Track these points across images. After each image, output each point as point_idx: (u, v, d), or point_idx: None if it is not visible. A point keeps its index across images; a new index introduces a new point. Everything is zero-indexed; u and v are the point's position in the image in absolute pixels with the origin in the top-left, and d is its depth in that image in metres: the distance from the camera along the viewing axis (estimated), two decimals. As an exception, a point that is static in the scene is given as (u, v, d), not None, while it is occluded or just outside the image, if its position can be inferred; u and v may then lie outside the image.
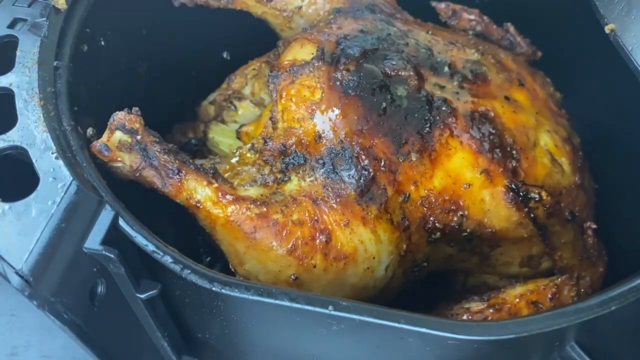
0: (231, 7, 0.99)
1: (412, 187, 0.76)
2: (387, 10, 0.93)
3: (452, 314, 0.82)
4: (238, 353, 0.74)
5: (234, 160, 0.81)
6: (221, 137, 0.96)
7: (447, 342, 0.57)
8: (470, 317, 0.80)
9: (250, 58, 1.02)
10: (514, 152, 0.79)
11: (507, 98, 0.85)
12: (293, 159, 0.75)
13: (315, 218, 0.72)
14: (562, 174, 0.83)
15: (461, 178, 0.77)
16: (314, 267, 0.71)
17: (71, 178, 0.63)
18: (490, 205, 0.78)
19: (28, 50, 0.72)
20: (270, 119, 0.79)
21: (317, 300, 0.58)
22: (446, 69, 0.84)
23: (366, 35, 0.84)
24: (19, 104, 0.67)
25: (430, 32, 0.90)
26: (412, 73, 0.79)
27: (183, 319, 0.71)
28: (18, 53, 0.72)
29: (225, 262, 0.75)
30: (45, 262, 0.58)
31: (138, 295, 0.64)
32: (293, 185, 0.75)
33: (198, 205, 0.70)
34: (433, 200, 0.76)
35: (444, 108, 0.78)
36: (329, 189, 0.73)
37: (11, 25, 0.74)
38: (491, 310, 0.80)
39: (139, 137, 0.70)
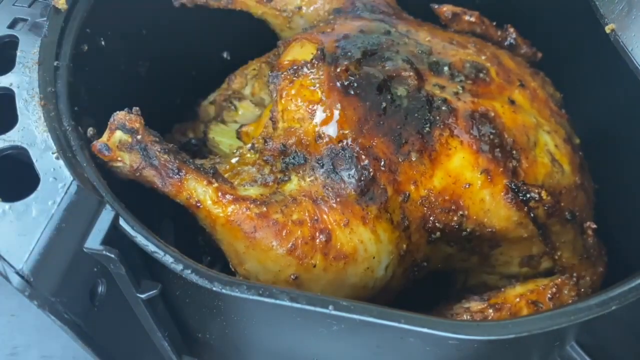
0: (231, 7, 0.99)
1: (412, 187, 0.76)
2: (387, 10, 0.93)
3: (452, 313, 0.82)
4: (238, 353, 0.74)
5: (234, 160, 0.81)
6: (221, 137, 0.96)
7: (448, 342, 0.57)
8: (470, 317, 0.80)
9: (250, 58, 1.02)
10: (514, 152, 0.80)
11: (507, 98, 0.85)
12: (293, 158, 0.75)
13: (315, 218, 0.72)
14: (562, 174, 0.83)
15: (461, 178, 0.77)
16: (314, 266, 0.71)
17: (71, 178, 0.63)
18: (490, 205, 0.78)
19: (28, 50, 0.72)
20: (271, 119, 0.79)
21: (318, 300, 0.58)
22: (446, 69, 0.84)
23: (366, 35, 0.84)
24: (19, 104, 0.67)
25: (430, 33, 0.90)
26: (412, 73, 0.79)
27: (183, 319, 0.71)
28: (18, 53, 0.72)
29: (225, 262, 0.75)
30: (45, 262, 0.58)
31: (138, 295, 0.64)
32: (293, 185, 0.75)
33: (198, 204, 0.70)
34: (433, 199, 0.76)
35: (444, 108, 0.78)
36: (329, 188, 0.73)
37: (11, 25, 0.74)
38: (491, 310, 0.80)
39: (139, 137, 0.70)
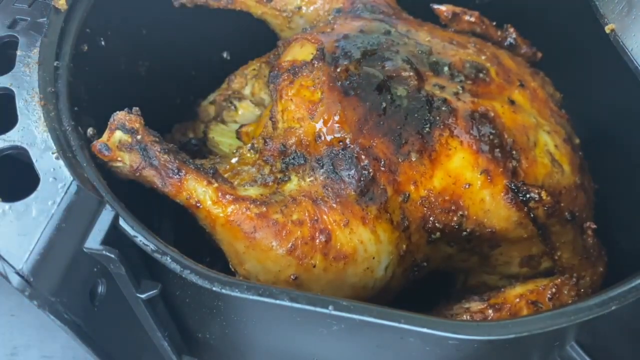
0: (231, 8, 0.99)
1: (412, 187, 0.76)
2: (387, 10, 0.93)
3: (452, 313, 0.82)
4: (238, 353, 0.74)
5: (234, 160, 0.81)
6: (221, 137, 0.96)
7: (448, 342, 0.57)
8: (470, 317, 0.80)
9: (250, 58, 1.02)
10: (514, 152, 0.79)
11: (507, 98, 0.85)
12: (293, 159, 0.75)
13: (315, 218, 0.72)
14: (561, 174, 0.83)
15: (461, 178, 0.77)
16: (314, 266, 0.71)
17: (71, 178, 0.63)
18: (490, 205, 0.78)
19: (28, 50, 0.72)
20: (270, 119, 0.79)
21: (318, 300, 0.58)
22: (446, 69, 0.84)
23: (366, 35, 0.84)
24: (19, 104, 0.67)
25: (430, 33, 0.90)
26: (412, 73, 0.79)
27: (183, 319, 0.71)
28: (18, 53, 0.72)
29: (225, 262, 0.75)
30: (45, 262, 0.58)
31: (138, 295, 0.64)
32: (293, 185, 0.75)
33: (198, 204, 0.70)
34: (433, 200, 0.76)
35: (443, 108, 0.78)
36: (329, 189, 0.73)
37: (11, 25, 0.74)
38: (491, 310, 0.80)
39: (139, 137, 0.70)
